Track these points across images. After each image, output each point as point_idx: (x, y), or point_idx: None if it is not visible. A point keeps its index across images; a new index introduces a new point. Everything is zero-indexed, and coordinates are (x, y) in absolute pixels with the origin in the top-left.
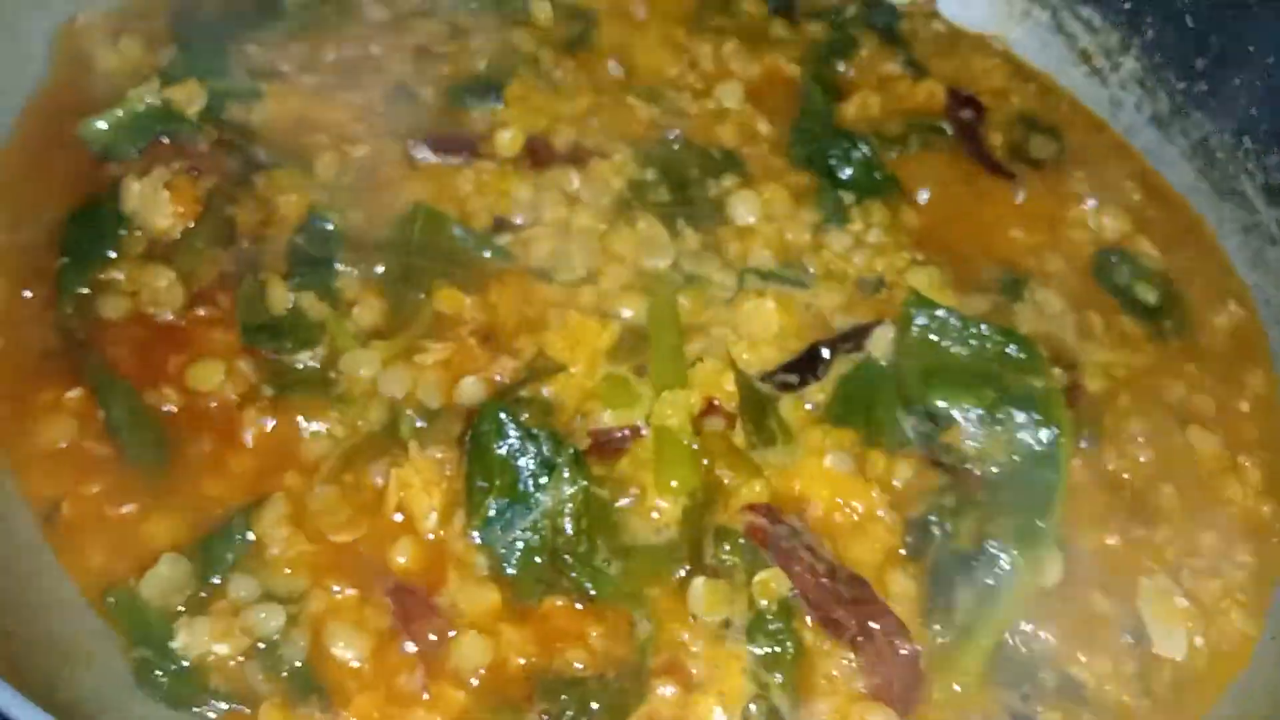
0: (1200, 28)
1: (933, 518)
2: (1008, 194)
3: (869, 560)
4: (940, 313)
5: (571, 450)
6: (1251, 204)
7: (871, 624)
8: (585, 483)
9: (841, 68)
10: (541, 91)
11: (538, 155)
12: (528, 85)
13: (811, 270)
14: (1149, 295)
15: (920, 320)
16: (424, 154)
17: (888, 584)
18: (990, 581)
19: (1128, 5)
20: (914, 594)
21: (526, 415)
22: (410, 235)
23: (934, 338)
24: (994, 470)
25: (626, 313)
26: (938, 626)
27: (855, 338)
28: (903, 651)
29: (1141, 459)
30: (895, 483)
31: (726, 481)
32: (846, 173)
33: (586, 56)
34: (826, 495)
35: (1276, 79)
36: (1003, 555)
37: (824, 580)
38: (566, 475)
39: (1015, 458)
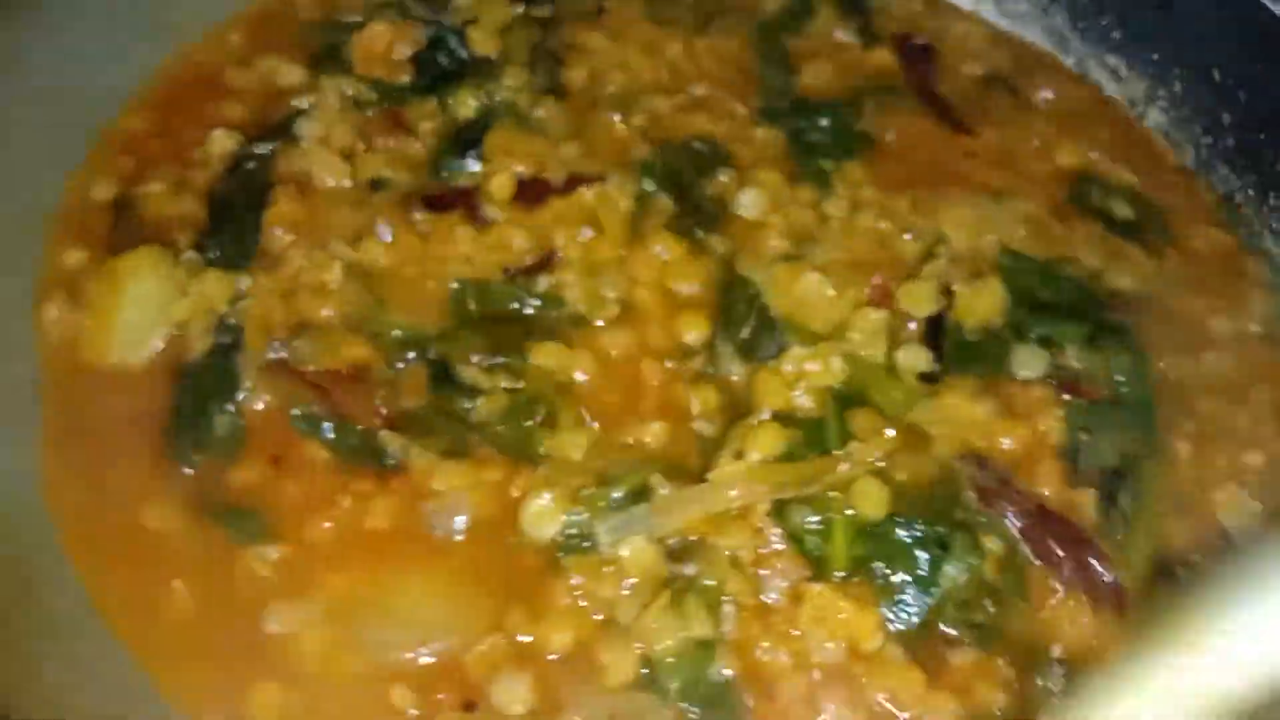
0: (1228, 82)
1: (1083, 437)
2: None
3: (1051, 490)
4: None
5: None
6: (1277, 261)
7: (1083, 556)
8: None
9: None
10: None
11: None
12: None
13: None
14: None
15: (1011, 265)
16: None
17: (1075, 507)
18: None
19: (1155, 56)
20: (1092, 514)
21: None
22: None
23: (1027, 281)
24: (1105, 390)
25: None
26: (1119, 537)
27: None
28: (1107, 579)
29: None
30: (1036, 419)
31: None
32: (817, 139)
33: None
34: (985, 438)
35: None
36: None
37: (1035, 520)
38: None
39: (1117, 377)
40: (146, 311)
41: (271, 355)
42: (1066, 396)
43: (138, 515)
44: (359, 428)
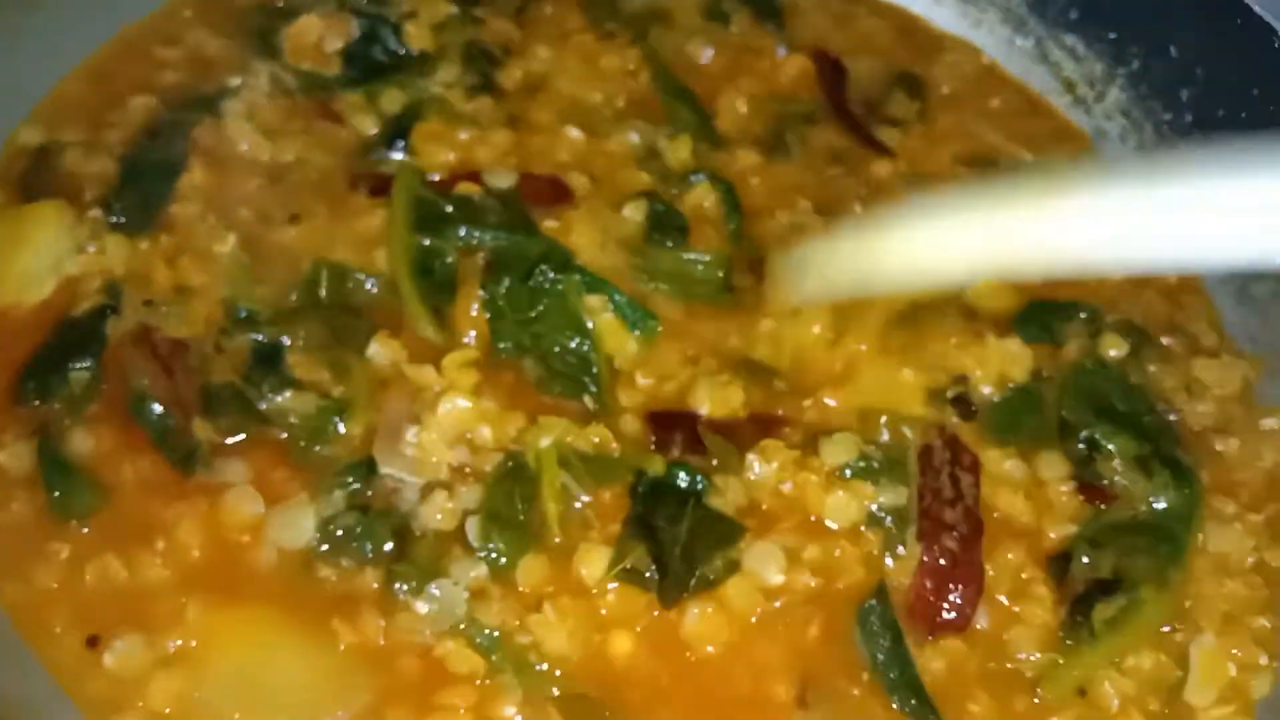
0: (1185, 58)
1: (1081, 542)
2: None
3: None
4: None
5: None
6: None
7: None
8: None
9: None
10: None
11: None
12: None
13: None
14: None
15: (1090, 365)
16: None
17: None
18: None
19: (1112, 35)
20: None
21: None
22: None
23: (1100, 383)
24: (1134, 512)
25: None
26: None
27: None
28: (953, 595)
29: None
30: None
31: None
32: None
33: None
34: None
35: (1262, 110)
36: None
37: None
38: None
39: (1157, 506)
40: (42, 260)
41: (138, 320)
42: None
43: None
44: (175, 417)
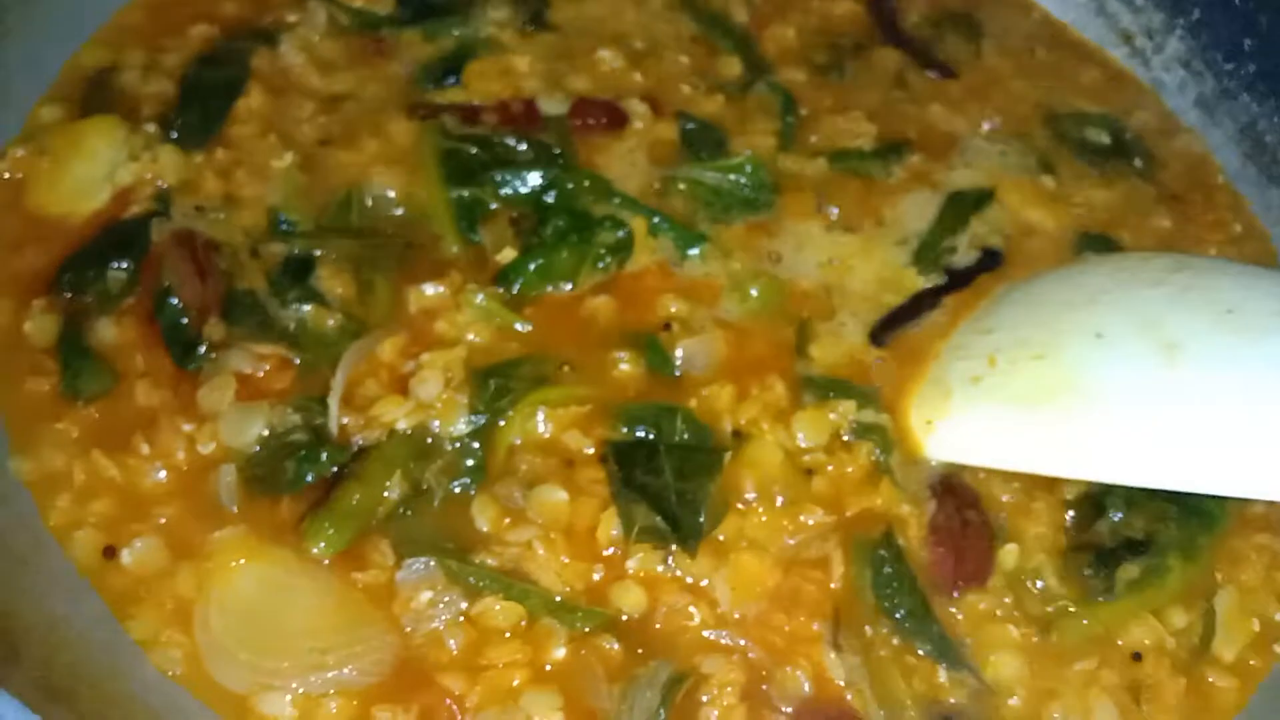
0: (1247, 6)
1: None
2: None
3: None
4: None
5: None
6: None
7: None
8: None
9: None
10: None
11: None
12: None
13: None
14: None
15: None
16: None
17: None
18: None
19: None
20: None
21: None
22: None
23: None
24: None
25: None
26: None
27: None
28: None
29: None
30: None
31: None
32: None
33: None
34: None
35: None
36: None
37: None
38: None
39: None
40: (97, 168)
41: (185, 223)
42: None
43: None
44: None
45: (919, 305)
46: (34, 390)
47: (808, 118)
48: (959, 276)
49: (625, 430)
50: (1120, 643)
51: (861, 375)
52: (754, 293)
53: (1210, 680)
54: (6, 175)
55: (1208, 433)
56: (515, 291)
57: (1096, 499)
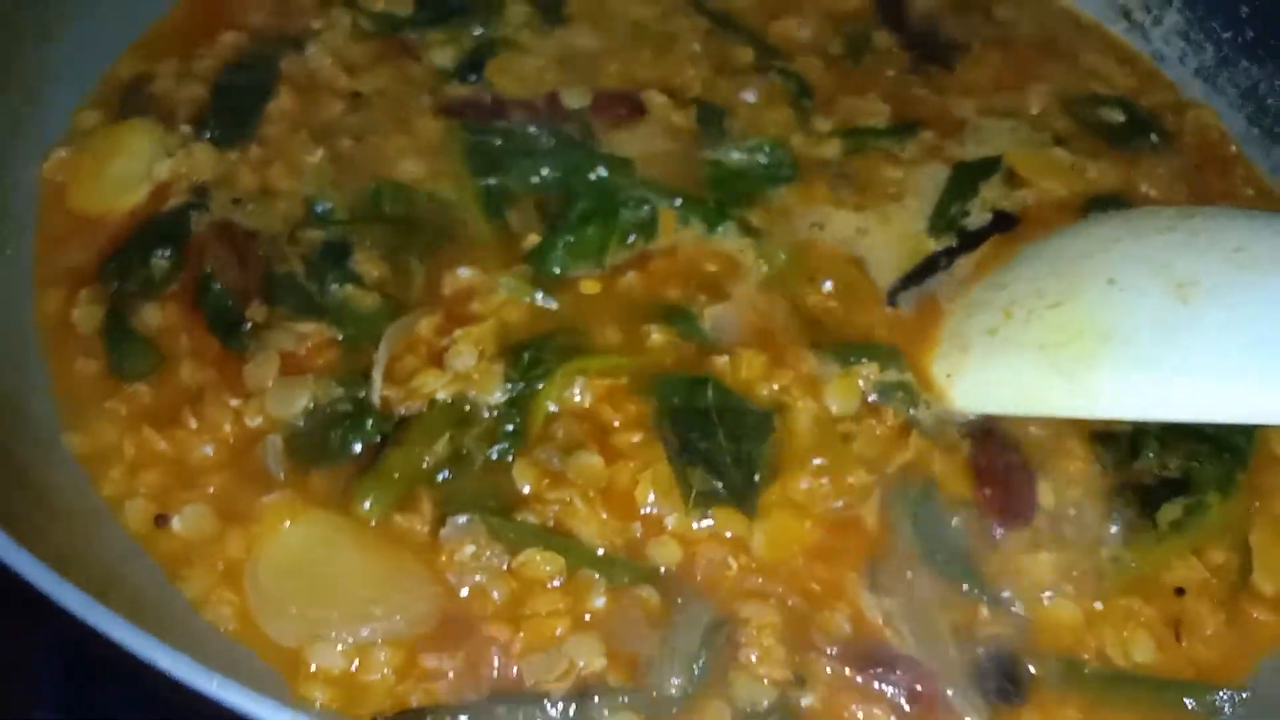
0: None
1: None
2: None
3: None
4: None
5: None
6: None
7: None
8: None
9: None
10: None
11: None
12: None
13: None
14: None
15: None
16: None
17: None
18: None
19: None
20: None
21: None
22: None
23: None
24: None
25: None
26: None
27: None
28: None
29: None
30: None
31: None
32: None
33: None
34: None
35: None
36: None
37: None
38: None
39: None
40: (135, 165)
41: (223, 215)
42: None
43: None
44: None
45: (933, 265)
46: (83, 371)
47: (822, 101)
48: (971, 238)
49: (660, 400)
50: (1163, 579)
51: (882, 336)
52: (779, 261)
53: (1254, 615)
54: (52, 177)
55: (1225, 362)
56: (544, 271)
57: (1131, 439)
